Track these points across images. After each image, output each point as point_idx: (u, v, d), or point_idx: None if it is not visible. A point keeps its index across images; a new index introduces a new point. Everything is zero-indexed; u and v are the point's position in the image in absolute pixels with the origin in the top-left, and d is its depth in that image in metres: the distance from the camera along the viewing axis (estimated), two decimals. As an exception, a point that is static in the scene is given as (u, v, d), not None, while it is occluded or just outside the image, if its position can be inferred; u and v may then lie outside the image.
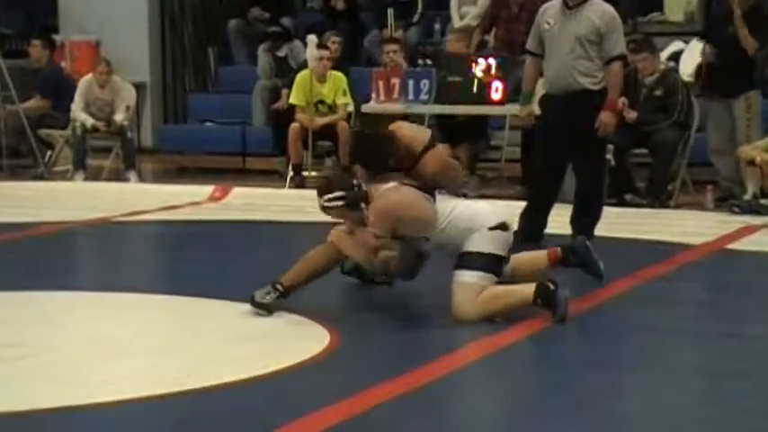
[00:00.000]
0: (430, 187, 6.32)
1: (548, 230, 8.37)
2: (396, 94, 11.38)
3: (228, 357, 5.58)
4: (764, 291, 7.48)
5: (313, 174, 12.12)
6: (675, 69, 11.52)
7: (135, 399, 4.88)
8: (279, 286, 6.26)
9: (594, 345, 5.98)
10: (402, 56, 12.27)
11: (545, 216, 8.37)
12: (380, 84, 11.48)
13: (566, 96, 8.16)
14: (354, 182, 6.29)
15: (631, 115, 10.53)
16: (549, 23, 8.20)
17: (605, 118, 8.12)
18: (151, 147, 15.07)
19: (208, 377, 5.14)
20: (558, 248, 6.69)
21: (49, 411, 4.73)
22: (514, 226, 6.60)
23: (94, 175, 12.65)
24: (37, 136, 13.14)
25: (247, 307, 6.27)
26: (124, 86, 13.03)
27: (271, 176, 12.76)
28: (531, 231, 8.12)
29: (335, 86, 12.18)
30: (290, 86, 12.41)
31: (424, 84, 11.34)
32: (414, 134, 6.57)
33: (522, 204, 8.49)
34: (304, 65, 12.38)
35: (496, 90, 11.03)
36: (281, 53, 13.80)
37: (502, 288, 6.18)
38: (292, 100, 12.25)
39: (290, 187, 11.91)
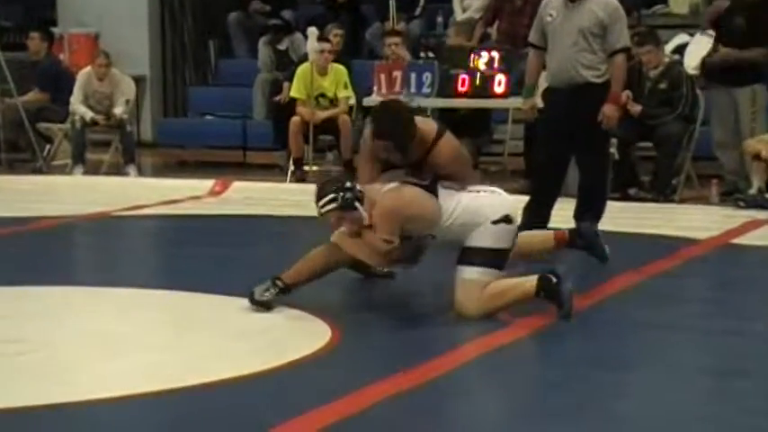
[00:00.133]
0: (432, 182, 6.23)
1: (551, 225, 8.31)
2: (398, 87, 11.32)
3: (228, 354, 5.53)
4: (770, 286, 7.43)
5: (314, 168, 12.08)
6: (680, 62, 11.45)
7: (134, 395, 4.84)
8: (279, 282, 6.20)
9: (596, 342, 5.89)
10: (405, 48, 12.20)
11: (548, 210, 8.30)
12: (382, 77, 11.43)
13: (569, 89, 8.09)
14: (348, 184, 6.11)
15: (636, 109, 10.47)
16: (551, 16, 8.13)
17: (608, 111, 8.05)
18: (151, 140, 15.03)
19: (207, 374, 5.09)
20: (566, 230, 6.90)
21: (47, 408, 4.69)
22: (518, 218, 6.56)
23: (94, 169, 12.61)
24: (36, 129, 13.08)
25: (248, 302, 6.21)
26: (123, 79, 12.97)
27: (271, 170, 12.72)
28: (534, 225, 8.05)
29: (337, 80, 12.11)
30: (290, 80, 12.36)
31: (427, 77, 11.29)
32: (423, 125, 6.50)
33: (526, 198, 8.43)
34: (305, 58, 12.33)
35: (499, 83, 10.98)
36: (281, 46, 13.75)
37: (504, 283, 6.11)
38: (293, 93, 12.19)
39: (290, 181, 11.88)
